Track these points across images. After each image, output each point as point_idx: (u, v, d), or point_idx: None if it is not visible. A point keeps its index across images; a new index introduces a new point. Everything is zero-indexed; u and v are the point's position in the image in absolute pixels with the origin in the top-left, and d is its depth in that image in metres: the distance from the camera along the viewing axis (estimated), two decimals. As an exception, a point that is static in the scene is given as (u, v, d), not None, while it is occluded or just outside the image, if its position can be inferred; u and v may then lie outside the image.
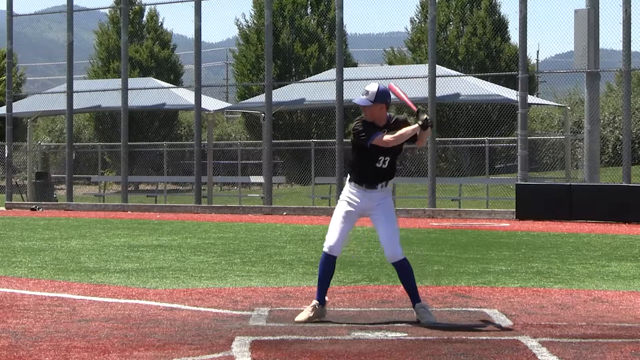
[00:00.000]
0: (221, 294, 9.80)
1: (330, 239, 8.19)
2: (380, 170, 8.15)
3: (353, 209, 8.19)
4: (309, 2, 48.65)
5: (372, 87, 8.14)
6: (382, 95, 8.10)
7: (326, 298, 8.27)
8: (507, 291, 10.10)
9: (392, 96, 8.31)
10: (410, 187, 35.41)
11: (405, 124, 8.19)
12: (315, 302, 8.17)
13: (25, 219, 24.67)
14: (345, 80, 26.86)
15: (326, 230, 8.30)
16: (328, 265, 8.23)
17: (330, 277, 8.27)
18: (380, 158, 8.12)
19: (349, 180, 8.28)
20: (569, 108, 31.99)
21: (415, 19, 46.01)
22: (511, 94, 27.71)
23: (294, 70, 47.73)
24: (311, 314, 8.10)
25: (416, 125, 8.03)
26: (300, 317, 8.10)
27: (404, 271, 8.14)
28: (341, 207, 8.23)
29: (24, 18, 35.52)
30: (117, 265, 12.77)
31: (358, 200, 8.18)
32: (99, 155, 41.45)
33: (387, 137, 8.02)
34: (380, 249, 14.90)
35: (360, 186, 8.18)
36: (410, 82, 28.08)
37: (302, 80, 36.48)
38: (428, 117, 8.04)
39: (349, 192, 8.24)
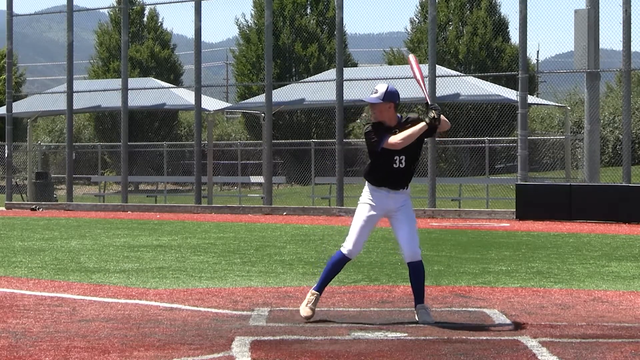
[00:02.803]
0: (221, 294, 9.80)
1: (351, 243, 8.16)
2: (398, 171, 8.10)
3: (375, 212, 8.15)
4: (308, 2, 48.65)
5: (382, 86, 8.14)
6: (391, 95, 8.08)
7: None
8: (507, 291, 10.10)
9: (402, 95, 8.28)
10: (411, 187, 35.35)
11: (418, 122, 8.15)
12: (316, 292, 8.21)
13: (25, 219, 24.67)
14: (345, 80, 26.87)
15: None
16: (340, 266, 8.25)
17: (335, 275, 8.33)
18: (395, 158, 8.07)
19: (369, 182, 8.21)
20: (569, 108, 32.00)
21: (415, 19, 46.03)
22: (511, 94, 27.71)
23: (294, 70, 47.74)
24: (312, 300, 8.14)
25: (423, 124, 8.01)
26: (305, 312, 8.12)
27: (418, 272, 8.12)
28: (363, 211, 8.17)
29: (24, 18, 35.50)
30: (117, 265, 12.77)
31: (381, 202, 8.13)
32: (99, 155, 41.45)
33: (394, 139, 7.98)
34: (381, 247, 14.91)
35: (382, 188, 8.14)
36: (410, 82, 28.07)
37: (302, 80, 36.48)
38: (435, 116, 7.97)
39: (369, 194, 8.18)
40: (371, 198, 8.17)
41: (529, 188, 24.16)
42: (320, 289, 8.26)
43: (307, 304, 8.16)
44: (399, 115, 8.21)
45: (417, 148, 8.18)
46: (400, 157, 8.08)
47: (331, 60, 45.29)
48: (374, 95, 8.07)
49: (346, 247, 8.19)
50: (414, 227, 8.14)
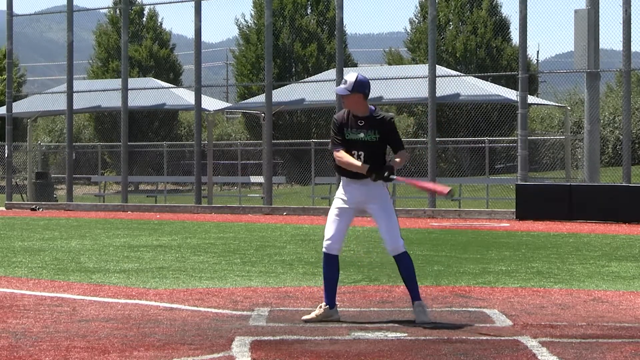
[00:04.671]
0: (221, 294, 9.79)
1: (327, 236, 8.12)
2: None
3: (347, 206, 8.11)
4: (309, 2, 48.65)
5: (351, 76, 8.09)
6: (360, 85, 8.02)
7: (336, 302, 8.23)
8: (507, 291, 10.10)
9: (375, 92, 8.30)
10: (411, 187, 35.37)
11: (391, 126, 8.10)
12: (325, 306, 8.09)
13: (25, 219, 24.67)
14: (345, 80, 26.84)
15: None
16: (330, 266, 8.14)
17: (336, 278, 8.18)
18: (353, 152, 8.06)
19: (340, 174, 8.23)
20: (569, 108, 31.99)
21: (415, 19, 46.01)
22: (511, 94, 27.71)
23: (293, 70, 47.73)
24: (320, 312, 8.06)
25: (365, 168, 7.94)
26: (308, 315, 8.09)
27: (404, 265, 8.05)
28: (335, 205, 8.19)
29: (24, 18, 35.52)
30: (117, 265, 12.77)
31: (352, 194, 8.10)
32: (99, 155, 41.45)
33: (340, 156, 7.99)
34: (381, 247, 14.91)
35: (350, 178, 8.10)
36: (410, 82, 28.10)
37: (302, 80, 36.48)
38: (373, 179, 7.92)
39: (342, 188, 8.20)
40: (342, 192, 8.16)
41: (529, 188, 24.15)
42: (330, 302, 8.09)
43: (314, 313, 8.12)
44: (372, 107, 8.13)
45: (378, 149, 8.07)
46: (359, 153, 8.06)
47: (330, 60, 45.30)
48: (343, 86, 8.05)
49: (324, 243, 8.15)
50: (392, 219, 8.05)
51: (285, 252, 14.82)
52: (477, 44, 43.43)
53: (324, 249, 8.16)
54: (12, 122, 32.98)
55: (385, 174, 7.93)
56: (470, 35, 43.54)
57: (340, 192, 8.19)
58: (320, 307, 8.10)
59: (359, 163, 7.96)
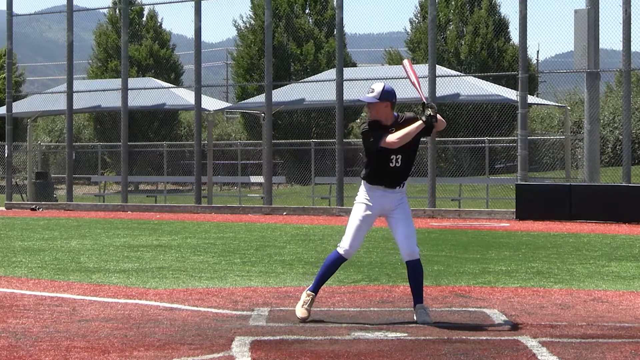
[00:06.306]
0: (221, 294, 9.80)
1: (347, 243, 8.14)
2: (395, 169, 8.08)
3: (371, 212, 8.14)
4: (307, 3, 48.60)
5: (378, 85, 8.16)
6: (388, 94, 8.09)
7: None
8: (507, 291, 10.10)
9: (398, 96, 8.31)
10: (410, 187, 35.21)
11: (414, 121, 8.14)
12: (311, 293, 8.20)
13: (25, 219, 24.67)
14: (345, 80, 26.87)
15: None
16: (336, 266, 8.23)
17: (331, 275, 8.32)
18: (392, 157, 8.05)
19: (366, 182, 8.20)
20: (569, 108, 31.98)
21: (415, 19, 45.98)
22: (511, 94, 27.71)
23: (292, 69, 47.67)
24: (308, 301, 8.12)
25: (420, 122, 7.99)
26: (301, 313, 8.10)
27: (416, 271, 8.11)
28: (359, 210, 8.16)
29: (24, 18, 35.49)
30: (117, 265, 12.77)
31: (377, 202, 8.12)
32: (99, 155, 41.44)
33: (391, 138, 7.96)
34: (381, 247, 14.91)
35: (379, 187, 8.14)
36: (409, 83, 28.06)
37: (301, 80, 36.46)
38: (432, 113, 7.98)
39: (366, 193, 8.16)
40: (367, 197, 8.15)
41: (529, 188, 24.15)
42: (315, 289, 8.25)
43: (302, 305, 8.16)
44: (395, 114, 8.21)
45: (414, 147, 8.17)
46: (397, 157, 8.07)
47: (329, 59, 45.28)
48: (371, 95, 8.09)
49: (342, 247, 8.18)
50: (411, 225, 8.13)
51: (285, 252, 14.81)
52: (480, 45, 43.37)
53: (341, 252, 8.16)
54: (12, 122, 32.98)
55: (433, 112, 8.02)
56: (473, 37, 43.47)
57: (364, 197, 8.17)
58: (311, 296, 8.16)
59: (414, 126, 7.98)
